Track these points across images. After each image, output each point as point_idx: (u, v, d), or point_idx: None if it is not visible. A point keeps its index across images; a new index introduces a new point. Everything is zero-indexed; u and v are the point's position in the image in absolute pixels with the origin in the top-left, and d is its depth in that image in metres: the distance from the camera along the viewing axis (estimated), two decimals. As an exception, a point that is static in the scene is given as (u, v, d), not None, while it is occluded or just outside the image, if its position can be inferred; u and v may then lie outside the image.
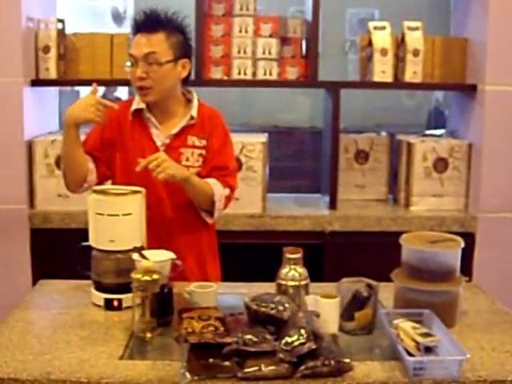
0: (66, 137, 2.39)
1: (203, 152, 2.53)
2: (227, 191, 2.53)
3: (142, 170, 2.28)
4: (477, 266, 3.40)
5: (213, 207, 2.49)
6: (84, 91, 4.86)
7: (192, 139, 2.52)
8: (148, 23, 2.43)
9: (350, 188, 3.73)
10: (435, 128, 4.90)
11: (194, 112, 2.52)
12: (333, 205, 3.51)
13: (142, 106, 2.51)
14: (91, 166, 2.48)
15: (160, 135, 2.52)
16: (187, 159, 2.51)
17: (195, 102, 2.56)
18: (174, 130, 2.51)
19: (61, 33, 3.48)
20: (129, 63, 2.42)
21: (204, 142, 2.53)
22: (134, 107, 2.53)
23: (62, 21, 3.51)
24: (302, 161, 5.25)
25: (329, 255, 3.37)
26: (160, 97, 2.46)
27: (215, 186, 2.48)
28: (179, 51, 2.45)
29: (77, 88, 4.60)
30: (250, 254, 3.41)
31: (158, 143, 2.51)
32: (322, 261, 3.34)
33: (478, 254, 3.43)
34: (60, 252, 3.33)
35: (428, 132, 4.32)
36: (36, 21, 3.45)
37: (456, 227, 3.39)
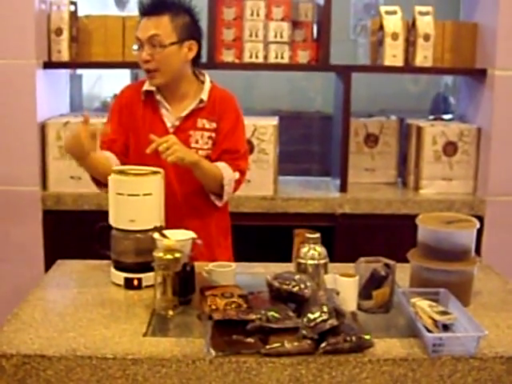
0: (81, 165, 2.39)
1: (213, 135, 2.54)
2: (237, 175, 2.53)
3: (152, 152, 2.29)
4: (485, 249, 3.43)
5: (222, 191, 2.50)
6: (88, 75, 4.90)
7: (202, 122, 2.53)
8: (153, 6, 2.44)
9: (359, 171, 3.75)
10: (440, 114, 4.91)
11: (203, 95, 2.53)
12: (343, 188, 3.54)
13: (153, 87, 2.53)
14: (116, 162, 2.47)
15: (170, 117, 2.53)
16: (196, 141, 2.52)
17: (207, 85, 2.56)
18: (184, 113, 2.52)
19: (73, 15, 3.49)
20: (135, 46, 2.45)
21: (214, 125, 2.54)
22: (145, 88, 2.54)
23: (74, 3, 3.52)
24: (310, 145, 5.26)
25: (339, 237, 3.40)
26: (167, 79, 2.47)
27: (225, 169, 2.48)
28: (185, 33, 2.45)
29: (79, 72, 4.60)
30: (261, 236, 3.44)
31: (168, 125, 2.53)
32: (333, 242, 3.36)
33: (487, 236, 3.45)
34: (72, 233, 3.38)
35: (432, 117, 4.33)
36: (48, 3, 3.46)
37: (465, 210, 3.42)
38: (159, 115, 2.54)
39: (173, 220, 2.39)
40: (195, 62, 2.55)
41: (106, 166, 2.39)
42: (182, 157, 2.30)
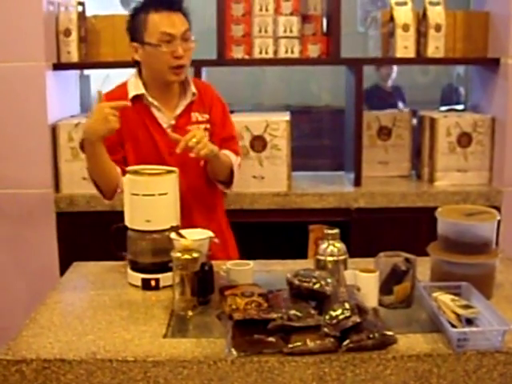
0: (93, 154, 2.33)
1: (208, 126, 2.55)
2: (239, 159, 2.62)
3: (154, 154, 2.35)
4: (502, 240, 3.39)
5: (231, 177, 2.54)
6: (96, 75, 4.88)
7: (195, 115, 2.54)
8: (170, 1, 2.41)
9: (373, 165, 3.72)
10: (450, 105, 4.88)
11: (193, 88, 2.53)
12: (357, 182, 3.51)
13: (142, 91, 2.49)
14: (118, 169, 2.44)
15: (164, 117, 2.52)
16: None
17: (190, 78, 2.56)
18: (179, 110, 2.52)
19: (81, 15, 3.47)
20: (160, 43, 2.38)
21: (206, 116, 2.56)
22: (132, 94, 2.49)
23: (81, 3, 3.49)
24: (321, 139, 5.24)
25: (355, 232, 3.37)
26: (186, 74, 2.49)
27: (231, 156, 2.54)
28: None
29: (87, 72, 4.58)
30: (276, 233, 3.42)
31: (164, 125, 2.51)
32: (348, 237, 3.34)
33: (504, 227, 3.39)
34: (87, 235, 3.36)
35: (445, 108, 4.30)
36: (56, 4, 3.44)
37: (481, 201, 3.38)
38: (153, 117, 2.51)
39: (185, 218, 2.35)
40: None
41: (111, 165, 2.40)
42: (212, 148, 2.33)
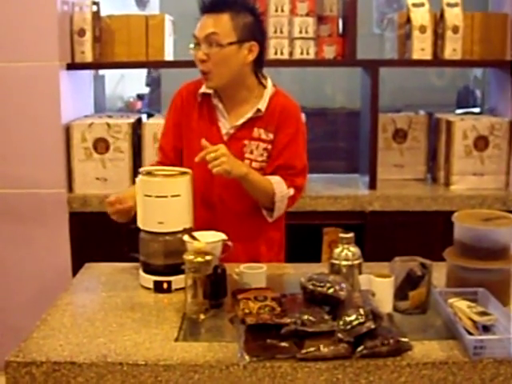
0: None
1: (269, 146, 2.40)
2: (292, 191, 2.39)
3: (202, 161, 2.18)
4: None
5: (273, 206, 2.38)
6: (111, 75, 4.87)
7: (259, 131, 2.40)
8: (213, 2, 2.29)
9: (388, 168, 3.69)
10: (466, 107, 4.83)
11: (261, 105, 2.38)
12: (372, 185, 3.49)
13: (210, 90, 2.41)
14: None
15: (226, 123, 2.41)
16: (251, 152, 2.40)
17: (268, 91, 2.41)
18: (241, 121, 2.39)
19: (96, 15, 3.47)
20: (192, 45, 2.32)
21: (271, 136, 2.39)
22: (202, 90, 2.42)
23: (96, 3, 3.49)
24: (336, 141, 5.20)
25: (369, 235, 3.35)
26: (224, 82, 2.34)
27: (278, 184, 2.36)
28: (245, 33, 2.30)
29: (102, 72, 4.58)
30: (289, 235, 3.39)
31: (223, 131, 2.41)
32: (363, 241, 3.31)
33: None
34: (99, 235, 3.35)
35: (461, 111, 4.26)
36: (71, 4, 3.44)
37: (497, 206, 3.35)
38: (215, 120, 2.42)
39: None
40: (257, 65, 2.39)
41: None
42: (229, 170, 2.17)
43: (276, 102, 2.41)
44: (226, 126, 2.42)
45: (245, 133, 2.40)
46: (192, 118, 2.44)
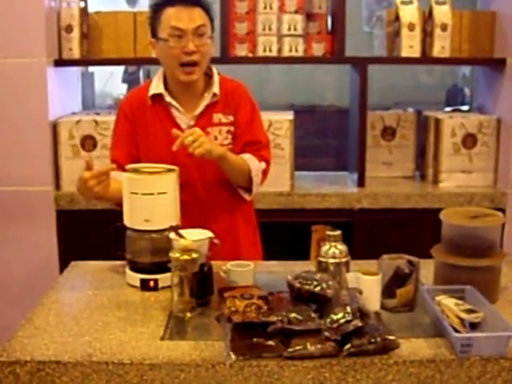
0: (95, 199, 2.31)
1: (231, 128, 2.46)
2: (263, 165, 2.47)
3: (169, 156, 2.23)
4: (507, 242, 3.36)
5: (250, 183, 2.43)
6: (100, 72, 4.84)
7: (218, 116, 2.46)
8: None
9: (376, 165, 3.69)
10: (454, 105, 4.83)
11: (215, 89, 2.45)
12: (361, 182, 3.48)
13: (161, 90, 2.43)
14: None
15: (183, 117, 2.45)
16: (215, 138, 2.44)
17: (216, 78, 2.47)
18: (198, 110, 2.44)
19: (83, 12, 3.44)
20: (164, 36, 2.32)
21: (231, 118, 2.47)
22: (151, 92, 2.44)
23: (84, -1, 3.47)
24: (325, 139, 5.20)
25: (358, 233, 3.34)
26: (201, 74, 2.41)
27: (251, 160, 2.42)
28: (212, 28, 2.40)
29: (91, 69, 4.55)
30: (278, 233, 3.39)
31: (183, 126, 2.43)
32: (351, 238, 3.30)
33: (508, 230, 3.37)
34: (86, 233, 3.34)
35: (449, 109, 4.25)
36: (58, 0, 3.41)
37: (485, 203, 3.36)
38: (172, 118, 2.45)
39: (198, 220, 2.32)
40: None
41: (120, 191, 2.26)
42: (210, 149, 2.22)
43: (226, 86, 2.49)
44: (183, 120, 2.45)
45: (205, 121, 2.44)
46: (146, 122, 2.46)
